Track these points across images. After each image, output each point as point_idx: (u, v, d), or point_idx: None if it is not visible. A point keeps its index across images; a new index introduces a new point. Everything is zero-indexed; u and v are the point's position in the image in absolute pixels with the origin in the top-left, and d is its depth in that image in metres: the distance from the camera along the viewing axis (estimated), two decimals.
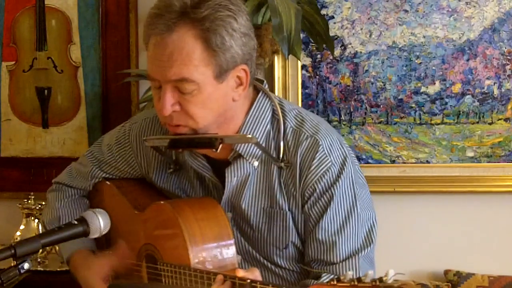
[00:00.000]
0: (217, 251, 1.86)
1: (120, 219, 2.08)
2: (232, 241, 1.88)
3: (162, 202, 1.95)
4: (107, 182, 2.17)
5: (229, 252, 1.88)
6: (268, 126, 1.93)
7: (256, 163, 1.92)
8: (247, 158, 1.92)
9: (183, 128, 1.84)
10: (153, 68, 1.81)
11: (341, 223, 1.90)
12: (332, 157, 1.90)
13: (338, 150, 1.92)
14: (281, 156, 1.91)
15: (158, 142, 1.96)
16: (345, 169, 1.91)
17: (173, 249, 1.88)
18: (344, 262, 1.89)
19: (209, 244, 1.86)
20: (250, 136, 1.87)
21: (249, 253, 1.99)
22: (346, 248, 1.89)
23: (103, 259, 2.09)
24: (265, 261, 1.99)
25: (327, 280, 1.86)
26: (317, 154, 1.89)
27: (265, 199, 1.94)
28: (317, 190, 1.90)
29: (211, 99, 1.81)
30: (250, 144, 1.90)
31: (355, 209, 1.91)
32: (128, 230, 2.07)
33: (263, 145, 1.92)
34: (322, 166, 1.89)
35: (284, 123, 1.93)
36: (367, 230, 1.93)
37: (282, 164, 1.91)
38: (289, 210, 1.93)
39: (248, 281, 1.66)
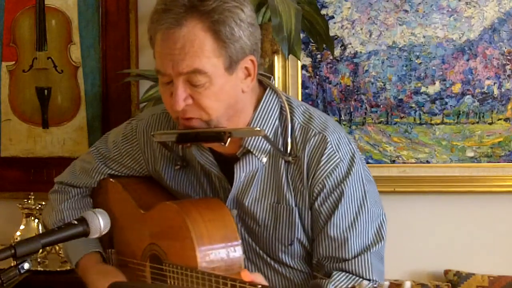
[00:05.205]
0: (224, 252, 1.85)
1: (125, 218, 2.08)
2: (239, 242, 1.87)
3: (168, 203, 1.93)
4: (112, 180, 2.16)
5: (236, 253, 1.86)
6: (276, 122, 1.93)
7: (264, 159, 1.93)
8: (256, 154, 1.92)
9: (195, 121, 1.84)
10: (164, 63, 1.81)
11: (352, 219, 1.90)
12: (340, 154, 1.91)
13: (346, 147, 1.92)
14: (288, 151, 1.91)
15: (165, 137, 1.96)
16: (354, 165, 1.91)
17: (180, 250, 1.87)
18: (356, 259, 1.89)
19: (216, 245, 1.85)
20: (258, 129, 1.88)
21: (254, 252, 1.98)
22: (358, 244, 1.90)
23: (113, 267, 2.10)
24: (270, 260, 1.98)
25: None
26: (326, 151, 1.89)
27: (273, 194, 1.94)
28: (327, 187, 1.90)
29: (222, 91, 1.82)
30: (259, 139, 1.91)
31: (365, 204, 1.92)
32: (132, 229, 2.06)
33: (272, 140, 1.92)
34: (331, 163, 1.89)
35: (292, 119, 1.93)
36: (378, 226, 1.93)
37: (290, 158, 1.91)
38: (295, 206, 1.93)
39: (259, 286, 1.63)
